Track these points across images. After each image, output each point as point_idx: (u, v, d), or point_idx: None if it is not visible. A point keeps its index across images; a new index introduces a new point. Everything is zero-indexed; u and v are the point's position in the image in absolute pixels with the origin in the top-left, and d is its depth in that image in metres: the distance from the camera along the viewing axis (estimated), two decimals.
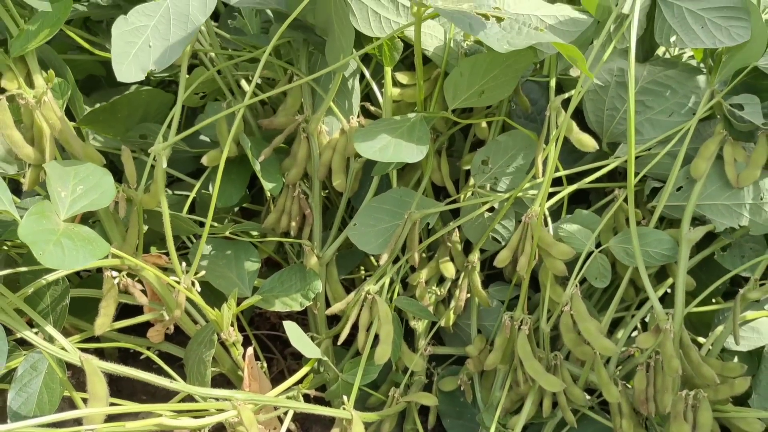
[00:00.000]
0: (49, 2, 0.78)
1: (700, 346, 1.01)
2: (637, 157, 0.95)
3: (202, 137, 1.14)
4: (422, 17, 0.83)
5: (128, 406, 0.85)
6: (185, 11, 0.80)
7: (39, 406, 0.85)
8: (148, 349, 1.04)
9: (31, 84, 0.85)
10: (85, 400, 0.83)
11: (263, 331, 1.33)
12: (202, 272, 0.97)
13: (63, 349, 0.82)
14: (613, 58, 0.97)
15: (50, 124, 0.85)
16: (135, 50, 0.76)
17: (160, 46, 0.78)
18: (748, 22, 0.87)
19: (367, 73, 0.99)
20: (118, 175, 0.92)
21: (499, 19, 0.76)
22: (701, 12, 0.89)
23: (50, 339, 0.84)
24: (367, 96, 1.06)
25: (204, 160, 1.02)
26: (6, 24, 0.83)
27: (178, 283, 0.91)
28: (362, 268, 1.19)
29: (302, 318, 1.18)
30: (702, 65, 0.99)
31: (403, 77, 1.02)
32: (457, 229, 1.04)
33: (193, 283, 0.92)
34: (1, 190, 0.74)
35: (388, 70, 0.97)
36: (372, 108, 1.06)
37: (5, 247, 1.07)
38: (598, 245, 0.96)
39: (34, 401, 0.85)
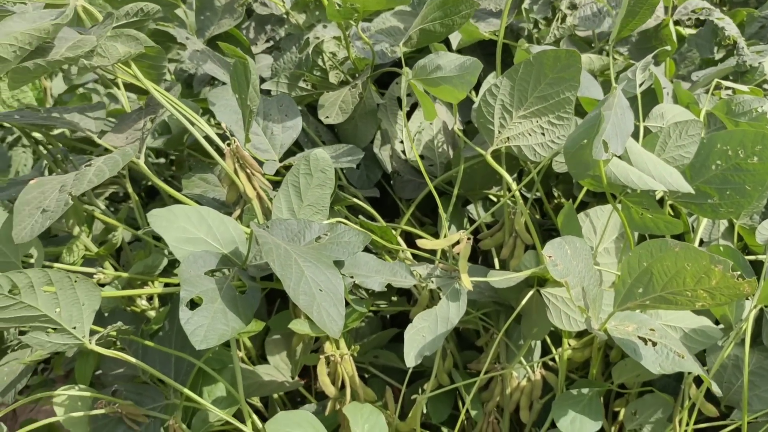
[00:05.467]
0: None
1: None
2: (748, 423, 1.30)
3: None
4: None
5: None
6: (447, 315, 1.25)
7: None
8: None
9: (338, 347, 1.32)
10: None
11: None
12: None
13: None
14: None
15: (347, 373, 1.31)
16: (420, 342, 1.20)
17: (431, 339, 1.22)
18: None
19: (548, 340, 1.41)
20: None
21: (654, 343, 1.14)
22: None
23: None
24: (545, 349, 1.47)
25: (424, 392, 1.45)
26: None
27: None
28: None
29: None
30: None
31: (574, 342, 1.43)
32: None
33: None
34: None
35: (565, 341, 1.39)
36: (551, 363, 1.47)
37: None
38: None
39: None
